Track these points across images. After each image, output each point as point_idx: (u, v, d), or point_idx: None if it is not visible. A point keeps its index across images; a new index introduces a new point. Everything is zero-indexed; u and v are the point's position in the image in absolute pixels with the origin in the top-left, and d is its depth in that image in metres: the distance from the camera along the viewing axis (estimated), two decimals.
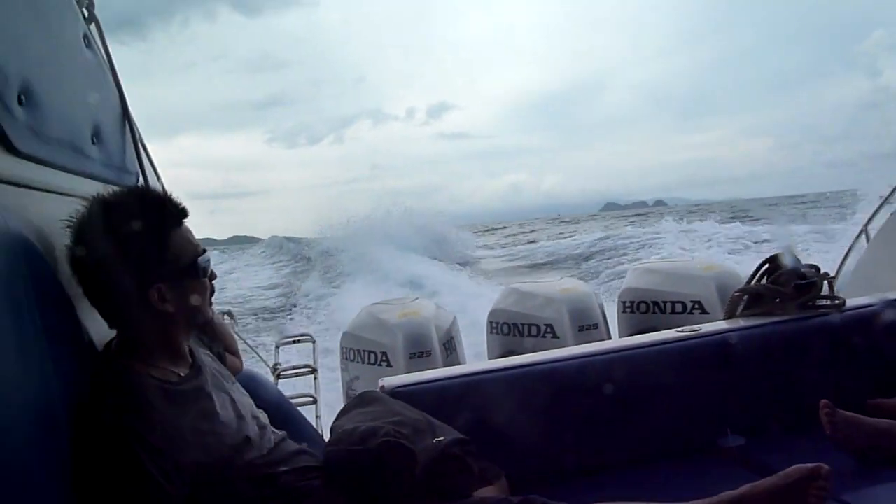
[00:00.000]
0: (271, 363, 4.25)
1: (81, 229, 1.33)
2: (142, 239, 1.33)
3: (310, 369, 4.12)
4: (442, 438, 1.57)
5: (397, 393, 1.90)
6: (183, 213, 1.42)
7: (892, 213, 3.36)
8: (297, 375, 4.14)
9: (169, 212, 1.40)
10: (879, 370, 2.15)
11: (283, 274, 21.80)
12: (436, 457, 1.51)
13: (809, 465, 1.53)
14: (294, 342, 4.87)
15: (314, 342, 4.60)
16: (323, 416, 3.57)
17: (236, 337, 2.09)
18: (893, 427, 1.85)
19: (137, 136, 1.93)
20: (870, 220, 3.68)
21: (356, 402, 1.80)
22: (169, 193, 1.42)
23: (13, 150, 1.18)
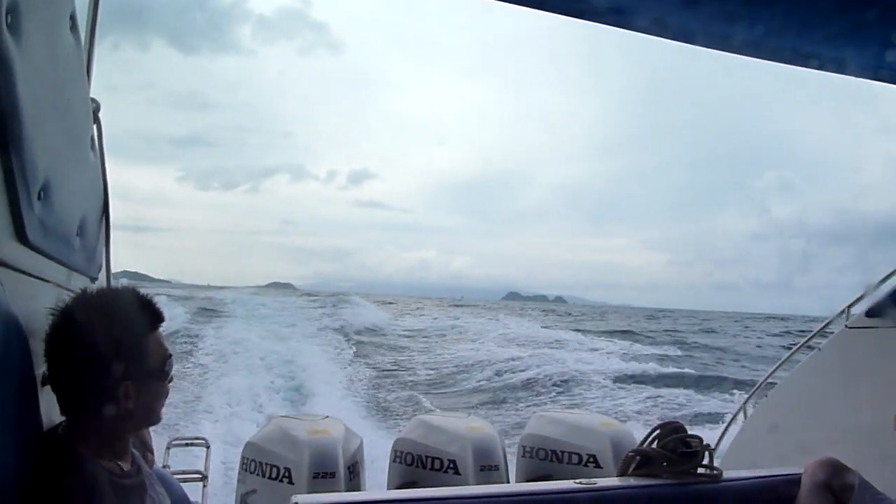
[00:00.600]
0: (160, 464, 4.08)
1: (67, 319, 1.40)
2: (123, 337, 1.41)
3: (201, 475, 3.97)
4: None
5: None
6: (160, 317, 1.52)
7: (763, 397, 3.76)
8: (185, 481, 3.98)
9: (150, 315, 1.49)
10: None
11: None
12: None
13: None
14: (187, 445, 4.69)
15: (208, 447, 4.45)
16: None
17: None
18: None
19: (110, 232, 2.02)
20: (748, 399, 4.07)
21: None
22: (151, 298, 1.51)
23: (26, 242, 1.28)
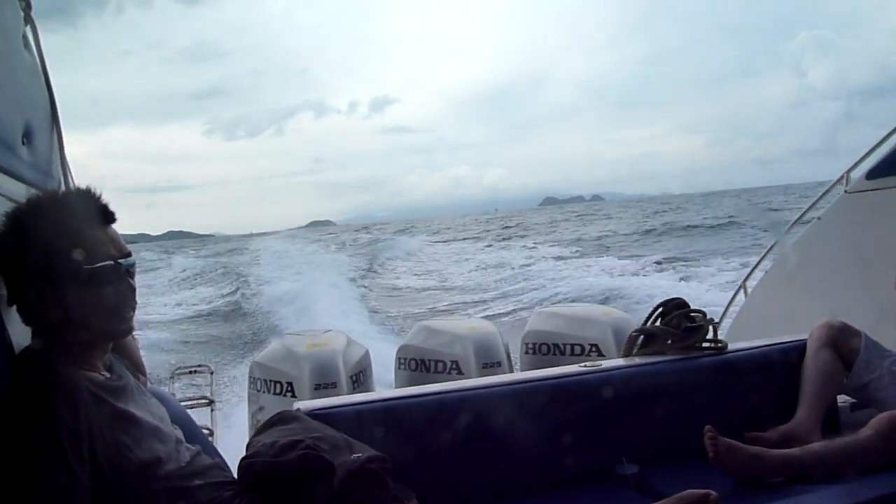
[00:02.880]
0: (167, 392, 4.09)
1: (6, 229, 1.32)
2: (62, 239, 1.32)
3: (207, 401, 3.99)
4: (360, 455, 1.60)
5: (313, 415, 1.92)
6: (109, 214, 1.41)
7: (766, 271, 3.73)
8: (192, 407, 4.00)
9: (93, 212, 1.38)
10: (756, 406, 2.37)
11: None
12: (354, 471, 1.53)
13: (701, 490, 1.66)
14: (191, 372, 4.71)
15: (212, 373, 4.47)
16: (220, 449, 3.46)
17: None
18: (766, 454, 2.05)
19: (63, 141, 1.89)
20: (747, 276, 4.05)
21: (274, 419, 1.80)
22: (96, 193, 1.40)
23: None
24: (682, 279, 15.07)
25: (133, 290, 1.43)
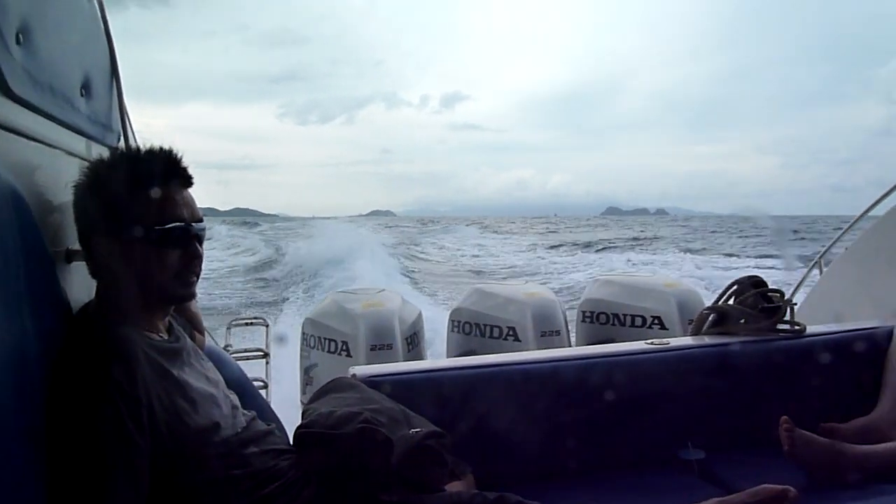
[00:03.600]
0: (222, 344, 4.15)
1: (84, 181, 1.31)
2: (137, 196, 1.29)
3: (262, 353, 4.03)
4: (418, 430, 1.55)
5: (370, 382, 1.87)
6: (186, 176, 1.37)
7: (845, 249, 3.49)
8: (248, 358, 4.06)
9: (169, 172, 1.34)
10: (834, 395, 2.23)
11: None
12: (412, 447, 1.49)
13: (778, 486, 1.56)
14: (247, 324, 4.77)
15: (267, 326, 4.50)
16: (273, 402, 3.50)
17: None
18: (845, 448, 1.92)
19: (123, 96, 1.85)
20: (823, 253, 3.81)
21: (330, 386, 1.77)
22: (175, 154, 1.35)
23: (8, 93, 1.11)
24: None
25: (200, 255, 1.40)
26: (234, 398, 1.52)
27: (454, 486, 1.61)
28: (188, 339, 1.50)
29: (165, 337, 1.40)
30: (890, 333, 2.34)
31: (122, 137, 1.88)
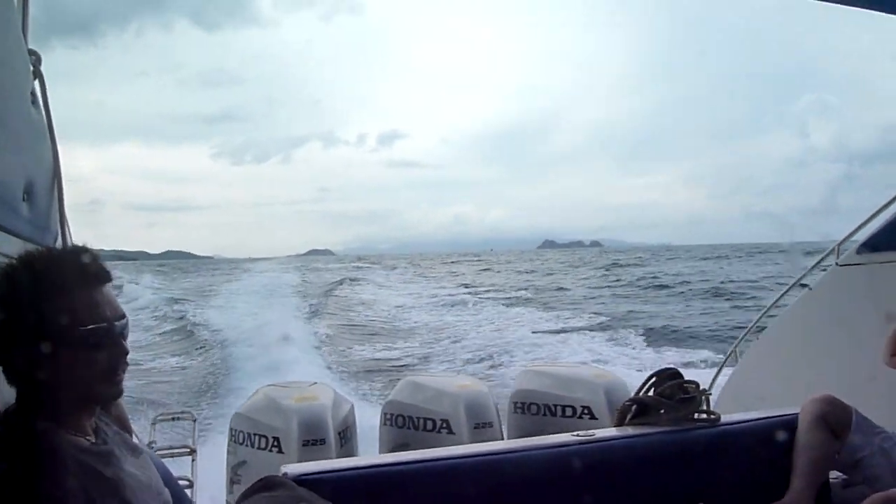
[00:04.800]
0: (146, 440, 3.99)
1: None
2: (58, 300, 1.28)
3: (188, 450, 3.89)
4: None
5: (300, 481, 1.87)
6: (104, 274, 1.36)
7: (756, 341, 3.73)
8: (173, 455, 3.90)
9: (88, 272, 1.34)
10: (750, 480, 2.34)
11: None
12: None
13: None
14: (173, 419, 4.60)
15: (195, 420, 4.36)
16: (198, 502, 3.36)
17: None
18: None
19: (63, 197, 1.87)
20: (737, 344, 4.05)
21: (260, 485, 1.75)
22: (93, 252, 1.36)
23: None
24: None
25: (126, 352, 1.38)
26: (167, 495, 1.49)
27: None
28: (118, 439, 1.48)
29: (93, 440, 1.37)
30: (796, 420, 2.49)
31: (58, 238, 1.89)
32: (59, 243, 1.87)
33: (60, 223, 1.88)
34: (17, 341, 1.27)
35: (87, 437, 1.36)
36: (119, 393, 1.43)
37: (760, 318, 3.80)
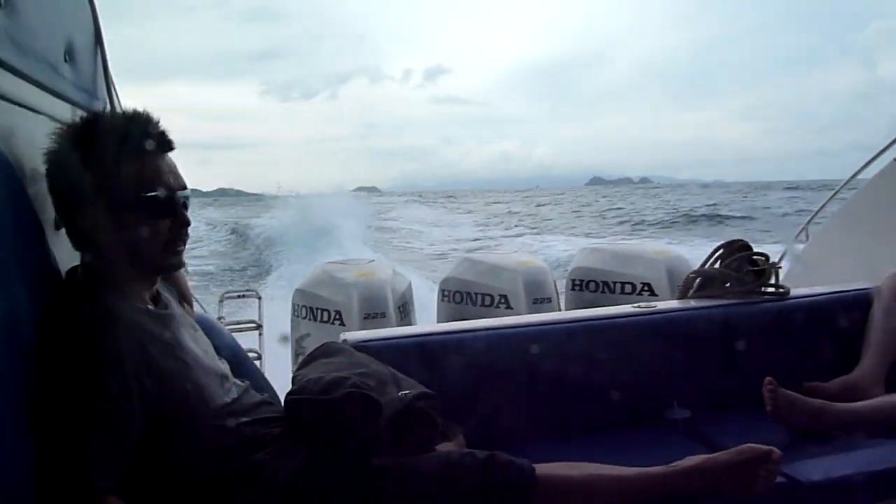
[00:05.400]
0: (215, 316, 4.17)
1: (62, 146, 1.27)
2: (119, 161, 1.27)
3: (255, 325, 4.05)
4: (407, 392, 1.58)
5: (360, 347, 1.89)
6: (168, 142, 1.35)
7: (830, 216, 3.53)
8: (241, 330, 4.07)
9: (153, 138, 1.32)
10: (818, 356, 2.27)
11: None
12: (401, 409, 1.51)
13: (763, 447, 1.59)
14: (239, 297, 4.79)
15: (260, 298, 4.52)
16: (267, 374, 3.53)
17: None
18: (827, 407, 1.96)
19: (108, 63, 1.83)
20: (810, 219, 3.85)
21: (319, 352, 1.79)
22: (155, 118, 1.33)
23: None
24: None
25: (188, 223, 1.39)
26: (226, 367, 1.53)
27: (445, 447, 1.63)
28: (177, 307, 1.51)
29: (153, 307, 1.40)
30: (870, 296, 2.37)
31: (107, 105, 1.87)
32: (107, 108, 1.85)
33: (108, 88, 1.85)
34: (83, 203, 1.27)
35: (148, 305, 1.39)
36: (181, 264, 1.46)
37: (837, 192, 3.57)
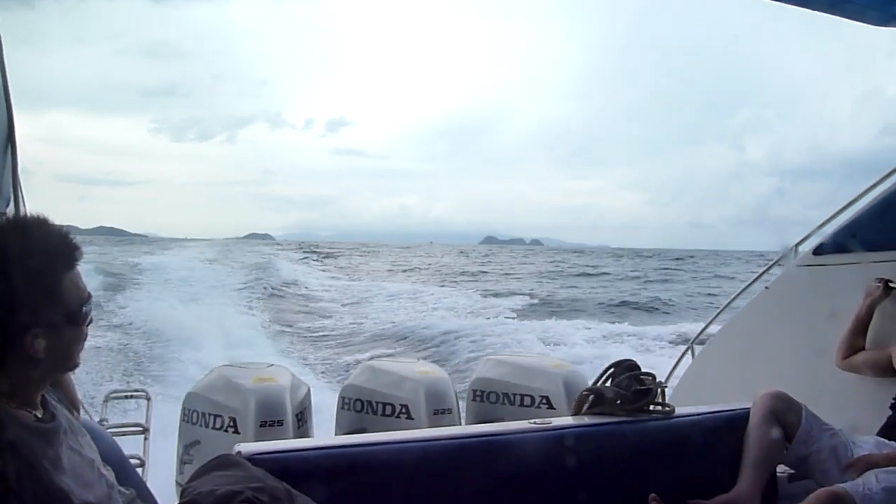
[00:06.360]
0: (97, 418, 3.90)
1: None
2: (31, 277, 1.26)
3: (141, 429, 3.82)
4: None
5: (254, 460, 1.84)
6: (77, 254, 1.35)
7: (713, 337, 3.81)
8: (125, 434, 3.82)
9: (64, 251, 1.33)
10: (700, 473, 2.39)
11: None
12: None
13: None
14: (126, 397, 4.52)
15: (149, 399, 4.28)
16: (149, 482, 3.29)
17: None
18: None
19: (17, 162, 1.80)
20: (695, 338, 4.13)
21: (213, 464, 1.72)
22: (66, 231, 1.34)
23: None
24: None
25: (89, 323, 1.40)
26: (111, 476, 1.46)
27: None
28: (63, 415, 1.45)
29: (40, 415, 1.35)
30: (748, 415, 2.55)
31: (11, 202, 1.82)
32: (10, 210, 1.81)
33: (13, 188, 1.81)
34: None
35: (35, 413, 1.34)
36: (75, 366, 1.44)
37: (718, 314, 3.88)
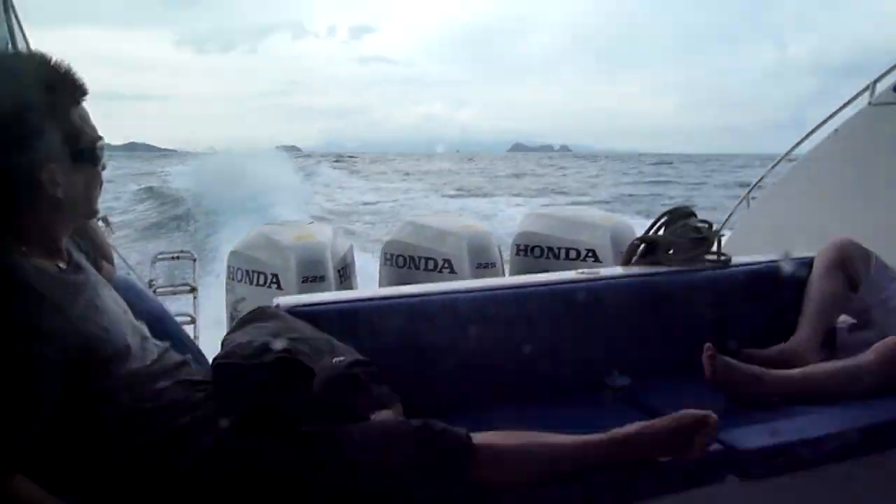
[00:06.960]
0: (146, 279, 3.99)
1: None
2: (39, 111, 1.18)
3: (189, 287, 3.90)
4: (342, 358, 1.50)
5: (293, 312, 1.80)
6: (83, 89, 1.27)
7: (775, 183, 3.59)
8: (174, 293, 3.92)
9: (71, 86, 1.25)
10: (757, 323, 2.29)
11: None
12: (335, 376, 1.44)
13: (700, 411, 1.58)
14: (173, 258, 4.60)
15: (195, 260, 4.35)
16: (201, 338, 3.39)
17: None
18: (764, 373, 1.98)
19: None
20: (751, 188, 3.91)
21: (252, 316, 1.69)
22: (69, 66, 1.24)
23: None
24: None
25: (104, 167, 1.34)
26: (144, 329, 1.43)
27: (382, 415, 1.58)
28: (89, 266, 1.40)
29: (64, 266, 1.30)
30: (810, 264, 2.40)
31: (8, 42, 1.69)
32: (8, 45, 1.68)
33: (9, 26, 1.68)
34: (9, 153, 1.17)
35: (59, 263, 1.29)
36: (96, 212, 1.40)
37: (781, 159, 3.63)
